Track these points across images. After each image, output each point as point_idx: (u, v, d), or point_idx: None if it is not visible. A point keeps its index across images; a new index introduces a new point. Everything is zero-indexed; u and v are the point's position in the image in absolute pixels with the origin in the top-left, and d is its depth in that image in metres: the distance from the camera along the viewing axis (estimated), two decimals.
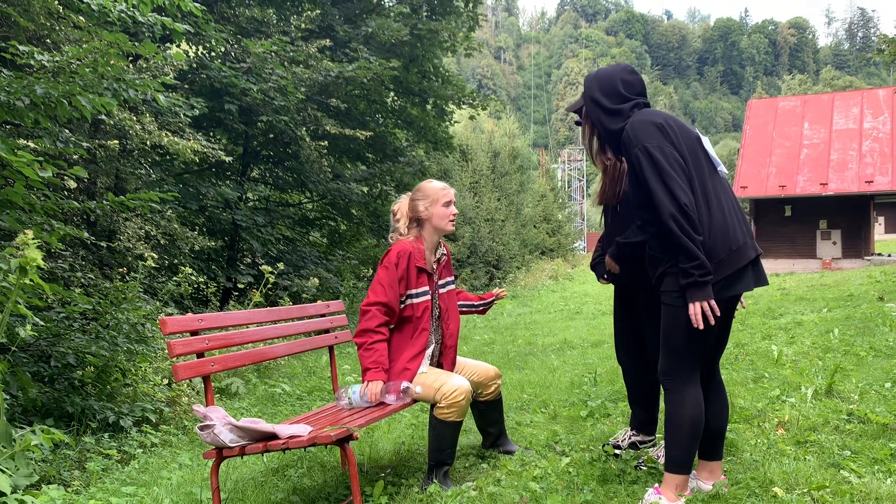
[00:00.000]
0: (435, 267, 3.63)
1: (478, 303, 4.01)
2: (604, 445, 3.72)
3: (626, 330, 3.72)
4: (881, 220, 42.02)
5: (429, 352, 3.58)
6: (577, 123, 3.62)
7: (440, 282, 3.64)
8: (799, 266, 24.58)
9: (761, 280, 2.83)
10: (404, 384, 3.40)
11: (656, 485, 2.92)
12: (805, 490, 2.95)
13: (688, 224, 2.63)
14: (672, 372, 2.84)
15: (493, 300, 4.02)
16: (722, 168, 2.94)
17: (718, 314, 2.68)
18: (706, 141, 2.95)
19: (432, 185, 3.60)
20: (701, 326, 2.66)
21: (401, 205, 3.65)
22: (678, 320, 2.75)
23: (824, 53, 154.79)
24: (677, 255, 2.68)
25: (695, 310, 2.65)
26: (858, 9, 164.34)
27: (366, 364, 3.39)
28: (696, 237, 2.63)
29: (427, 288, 3.52)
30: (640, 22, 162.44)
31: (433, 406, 3.39)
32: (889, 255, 24.09)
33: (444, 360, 3.65)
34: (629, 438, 3.74)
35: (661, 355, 2.88)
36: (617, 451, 3.62)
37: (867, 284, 12.84)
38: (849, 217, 24.79)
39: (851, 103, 26.60)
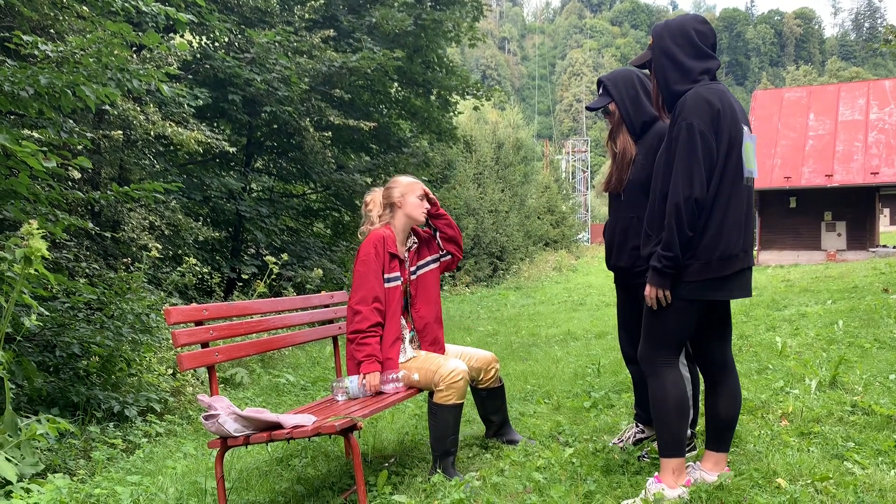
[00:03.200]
0: (406, 255, 3.69)
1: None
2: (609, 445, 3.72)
3: (629, 321, 3.70)
4: (886, 211, 41.88)
5: (407, 337, 3.63)
6: (605, 114, 3.61)
7: (411, 268, 3.70)
8: (803, 258, 24.52)
9: (744, 291, 2.87)
10: (402, 373, 3.43)
11: (656, 474, 2.93)
12: (808, 481, 2.95)
13: (686, 218, 2.69)
14: (649, 355, 2.90)
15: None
16: (752, 173, 2.87)
17: (669, 302, 2.78)
18: (752, 140, 2.89)
19: (406, 178, 3.72)
20: (654, 307, 2.81)
21: (374, 195, 3.75)
22: (660, 308, 2.83)
23: (830, 44, 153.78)
24: (661, 236, 2.77)
25: (650, 292, 2.80)
26: None
27: (359, 357, 3.43)
28: (686, 234, 2.70)
29: (398, 273, 3.58)
30: (646, 12, 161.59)
31: (431, 393, 3.41)
32: (894, 247, 24.01)
33: (421, 346, 3.68)
34: (634, 436, 3.72)
35: (641, 340, 2.95)
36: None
37: (872, 276, 12.81)
38: (854, 209, 24.69)
39: (857, 94, 26.44)
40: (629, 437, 3.71)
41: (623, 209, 3.51)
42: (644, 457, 3.38)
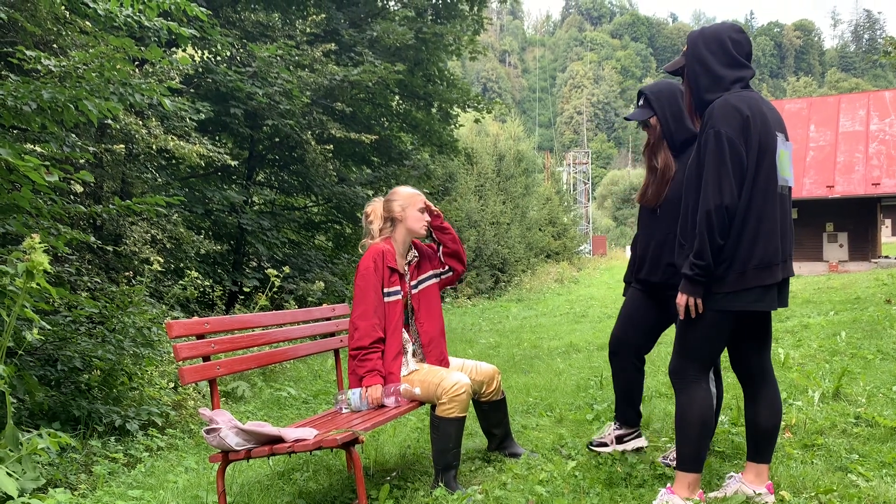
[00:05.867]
0: (406, 268, 3.67)
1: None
2: (588, 445, 3.72)
3: (636, 317, 3.61)
4: (888, 222, 41.83)
5: (409, 351, 3.61)
6: (644, 127, 3.54)
7: (412, 282, 3.68)
8: (805, 269, 24.47)
9: (781, 302, 2.82)
10: (403, 386, 3.42)
11: (669, 484, 2.91)
12: (812, 494, 2.94)
13: (717, 226, 2.66)
14: (680, 370, 2.86)
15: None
16: (787, 181, 2.83)
17: (701, 312, 2.74)
18: (788, 147, 2.85)
19: (407, 190, 3.70)
20: (682, 317, 2.79)
21: (374, 206, 3.71)
22: (694, 320, 2.79)
23: (830, 55, 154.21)
24: (693, 245, 2.73)
25: (681, 300, 2.76)
26: (864, 10, 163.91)
27: (361, 373, 3.43)
28: (717, 242, 2.67)
29: (399, 287, 3.56)
30: (646, 25, 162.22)
31: (434, 407, 3.40)
32: None
33: (427, 360, 3.66)
34: (613, 432, 3.73)
35: (673, 354, 2.90)
36: (604, 448, 3.62)
37: (874, 287, 12.78)
38: (855, 219, 24.69)
39: (858, 105, 26.51)
40: (609, 435, 3.71)
41: (659, 225, 3.44)
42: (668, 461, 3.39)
